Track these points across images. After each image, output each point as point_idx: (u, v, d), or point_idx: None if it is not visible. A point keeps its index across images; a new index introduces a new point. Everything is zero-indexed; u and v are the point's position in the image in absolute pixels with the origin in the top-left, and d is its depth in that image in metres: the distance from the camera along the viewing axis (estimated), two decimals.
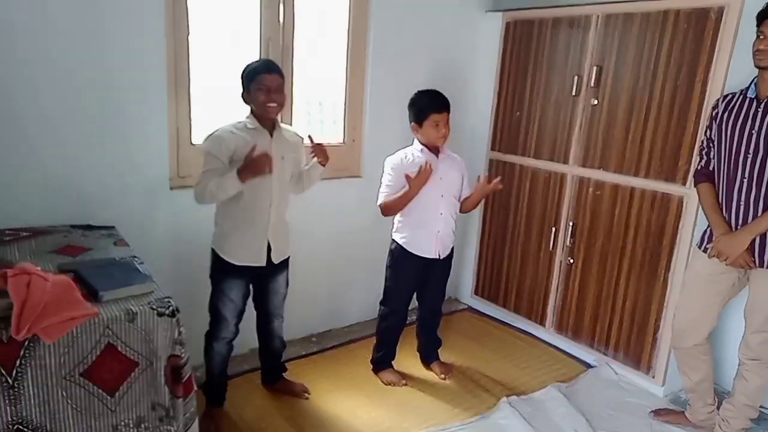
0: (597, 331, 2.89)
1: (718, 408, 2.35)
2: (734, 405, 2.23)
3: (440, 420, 2.39)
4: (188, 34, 2.31)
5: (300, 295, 2.89)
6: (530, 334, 3.20)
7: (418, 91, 2.48)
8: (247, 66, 2.06)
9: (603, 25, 2.69)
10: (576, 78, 2.81)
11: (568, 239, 2.94)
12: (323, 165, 2.26)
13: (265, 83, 2.01)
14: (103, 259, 1.73)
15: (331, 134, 2.96)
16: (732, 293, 2.22)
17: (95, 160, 2.18)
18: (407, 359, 2.80)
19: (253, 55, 2.55)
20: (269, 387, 2.50)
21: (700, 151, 2.27)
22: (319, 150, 2.22)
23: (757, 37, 1.98)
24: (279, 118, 2.17)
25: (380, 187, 2.48)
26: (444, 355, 2.86)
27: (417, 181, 2.33)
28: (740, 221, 2.08)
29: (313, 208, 2.84)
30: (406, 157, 2.45)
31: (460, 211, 2.61)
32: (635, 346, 2.74)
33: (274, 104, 2.03)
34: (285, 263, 2.28)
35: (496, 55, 3.20)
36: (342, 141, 2.96)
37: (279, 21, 2.56)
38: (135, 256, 1.78)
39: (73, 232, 2.00)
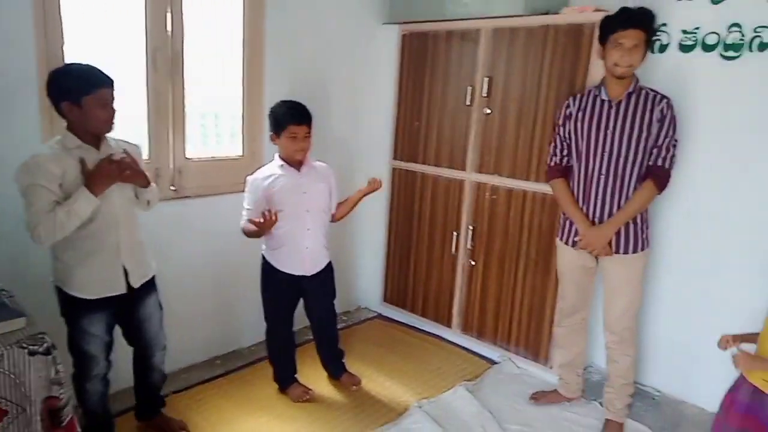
0: (499, 328, 3.02)
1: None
2: (613, 387, 2.43)
3: (353, 431, 2.38)
4: (63, 44, 2.13)
5: (200, 316, 2.79)
6: (438, 336, 3.28)
7: (280, 101, 2.41)
8: (70, 72, 1.79)
9: (492, 39, 2.82)
10: (469, 88, 2.93)
11: (469, 242, 3.05)
12: (144, 186, 1.98)
13: (106, 97, 1.80)
14: None
15: (230, 147, 2.86)
16: (595, 273, 2.45)
17: None
18: (314, 374, 2.76)
19: (139, 67, 2.41)
20: (145, 423, 2.29)
21: (554, 148, 2.41)
22: (132, 177, 1.90)
23: (613, 47, 2.15)
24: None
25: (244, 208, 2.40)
26: (354, 364, 2.85)
27: (258, 228, 2.23)
28: (598, 214, 2.29)
29: (213, 223, 2.74)
30: (266, 179, 2.36)
31: (333, 221, 2.58)
32: (534, 340, 2.89)
33: (113, 121, 1.84)
34: (152, 284, 2.09)
35: (395, 66, 3.26)
36: (241, 154, 2.87)
37: (167, 30, 2.44)
38: (3, 290, 1.61)
39: None
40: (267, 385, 2.67)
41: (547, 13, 2.64)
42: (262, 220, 2.20)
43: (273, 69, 2.83)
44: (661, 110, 2.17)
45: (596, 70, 2.48)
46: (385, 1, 3.22)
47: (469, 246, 3.06)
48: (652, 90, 2.22)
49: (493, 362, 3.03)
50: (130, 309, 2.04)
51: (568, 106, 2.37)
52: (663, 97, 2.19)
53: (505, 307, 2.98)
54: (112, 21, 2.33)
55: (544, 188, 2.73)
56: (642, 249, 2.29)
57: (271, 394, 2.62)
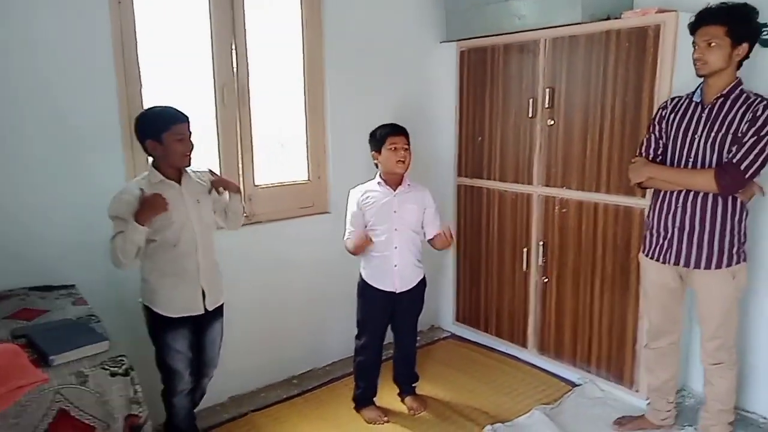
0: (578, 348, 2.87)
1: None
2: (710, 412, 2.24)
3: None
4: (141, 87, 2.32)
5: (277, 337, 2.89)
6: (514, 357, 3.17)
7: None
8: (150, 114, 1.97)
9: (551, 49, 2.75)
10: (531, 100, 2.86)
11: (540, 258, 2.94)
12: (236, 192, 2.21)
13: (182, 132, 1.96)
14: (57, 321, 1.70)
15: (296, 172, 2.97)
16: (683, 295, 2.27)
17: (52, 218, 2.16)
18: (388, 393, 2.75)
19: (209, 102, 2.57)
20: None
21: (647, 146, 2.22)
22: (222, 183, 2.16)
23: (693, 47, 2.04)
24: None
25: (346, 224, 2.52)
26: (427, 386, 2.81)
27: (359, 244, 2.42)
28: (677, 223, 2.12)
29: (284, 246, 2.84)
30: (364, 194, 2.49)
31: (434, 247, 2.61)
32: (617, 361, 2.72)
33: (190, 155, 2.01)
34: (220, 310, 2.20)
35: (454, 83, 3.25)
36: (307, 178, 2.97)
37: (232, 67, 2.59)
38: (92, 315, 1.75)
39: (30, 295, 1.97)
40: (341, 405, 2.70)
41: (607, 18, 2.55)
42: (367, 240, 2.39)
43: (334, 96, 2.92)
44: (755, 111, 1.96)
45: (665, 74, 2.35)
46: (441, 20, 3.24)
47: (540, 262, 2.95)
48: (755, 94, 2.01)
49: (573, 384, 2.87)
50: (201, 330, 2.17)
51: (664, 107, 2.21)
52: (762, 99, 1.98)
53: (583, 326, 2.83)
54: (183, 62, 2.50)
55: (616, 200, 2.60)
56: (732, 264, 2.08)
57: (345, 414, 2.63)
